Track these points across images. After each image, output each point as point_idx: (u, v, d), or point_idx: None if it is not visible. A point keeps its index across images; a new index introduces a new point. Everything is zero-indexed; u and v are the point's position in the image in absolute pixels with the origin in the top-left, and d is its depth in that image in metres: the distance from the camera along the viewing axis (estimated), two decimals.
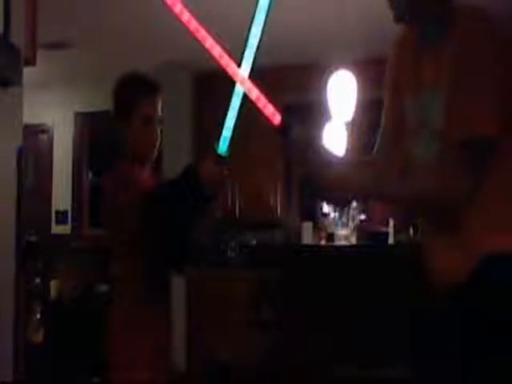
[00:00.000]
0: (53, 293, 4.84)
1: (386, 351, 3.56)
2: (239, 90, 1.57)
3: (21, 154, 2.16)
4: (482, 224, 1.35)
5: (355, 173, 1.49)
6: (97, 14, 3.95)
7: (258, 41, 1.55)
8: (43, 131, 5.71)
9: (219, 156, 1.60)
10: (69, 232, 5.59)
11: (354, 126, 4.53)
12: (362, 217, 4.22)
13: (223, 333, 4.52)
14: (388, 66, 1.62)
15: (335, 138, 4.45)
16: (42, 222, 5.52)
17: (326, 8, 3.83)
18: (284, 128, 1.41)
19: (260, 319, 4.41)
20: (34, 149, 5.51)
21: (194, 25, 1.57)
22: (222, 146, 1.59)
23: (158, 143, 1.90)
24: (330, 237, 4.23)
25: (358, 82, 3.79)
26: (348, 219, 4.33)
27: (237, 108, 1.57)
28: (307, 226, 4.47)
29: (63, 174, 5.67)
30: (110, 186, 1.81)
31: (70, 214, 5.62)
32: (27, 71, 2.21)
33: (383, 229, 4.07)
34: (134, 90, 1.85)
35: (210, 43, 1.55)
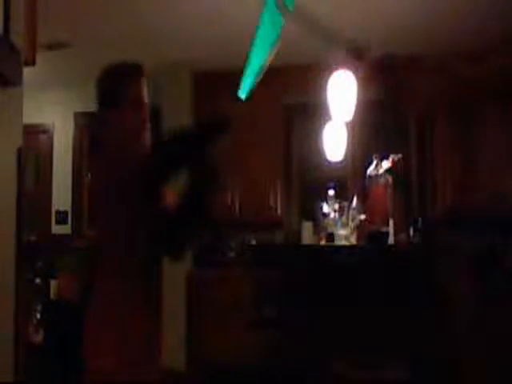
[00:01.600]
0: (53, 293, 4.84)
1: (386, 351, 3.56)
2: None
3: (21, 154, 2.16)
4: None
5: None
6: (97, 13, 3.94)
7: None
8: (43, 131, 5.71)
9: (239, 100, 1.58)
10: (69, 232, 5.58)
11: (353, 126, 4.54)
12: (362, 217, 4.22)
13: (223, 333, 4.52)
14: None
15: (335, 139, 4.46)
16: (42, 221, 5.52)
17: (326, 8, 3.83)
18: None
19: (260, 319, 4.41)
20: (34, 149, 5.50)
21: None
22: (244, 90, 1.56)
23: (148, 132, 1.83)
24: (330, 237, 4.23)
25: (358, 82, 3.79)
26: (348, 219, 4.33)
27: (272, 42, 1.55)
28: (307, 226, 4.47)
29: (63, 174, 5.66)
30: (100, 165, 1.76)
31: (70, 214, 5.62)
32: (27, 71, 2.21)
33: (383, 229, 4.07)
34: (119, 74, 1.81)
35: None
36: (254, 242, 5.12)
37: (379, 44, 4.47)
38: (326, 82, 3.82)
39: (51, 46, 4.39)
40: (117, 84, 1.79)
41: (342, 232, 4.25)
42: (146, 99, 1.82)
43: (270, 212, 5.04)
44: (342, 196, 4.62)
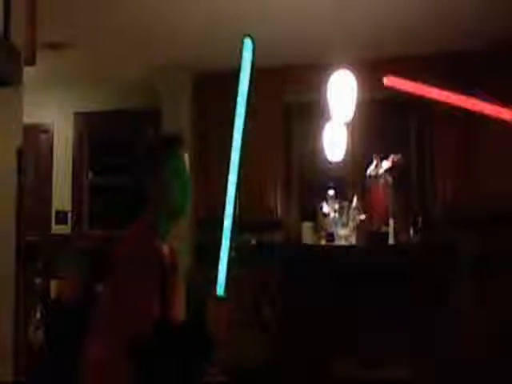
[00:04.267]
0: (53, 293, 4.84)
1: (386, 351, 3.56)
2: (228, 227, 1.62)
3: (21, 154, 2.16)
4: None
5: None
6: (96, 14, 3.94)
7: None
8: (43, 131, 5.71)
9: (221, 299, 1.65)
10: (69, 232, 5.59)
11: (353, 126, 4.53)
12: (362, 217, 4.22)
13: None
14: None
15: (335, 139, 4.46)
16: (42, 221, 5.52)
17: (326, 8, 3.83)
18: None
19: (260, 319, 4.41)
20: (33, 149, 5.50)
21: None
22: (220, 290, 1.64)
23: (188, 198, 1.84)
24: (330, 237, 4.23)
25: (358, 82, 3.79)
26: (348, 219, 4.32)
27: (228, 247, 1.62)
28: (307, 226, 4.47)
29: (63, 173, 5.67)
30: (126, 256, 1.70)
31: (70, 214, 5.62)
32: (27, 71, 2.21)
33: (383, 229, 4.07)
34: (162, 144, 1.83)
35: None
36: (253, 243, 5.12)
37: (379, 44, 4.48)
38: (326, 81, 3.82)
39: (51, 46, 4.39)
40: (160, 156, 1.81)
41: (342, 232, 4.24)
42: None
43: (269, 212, 5.04)
44: (342, 196, 4.62)
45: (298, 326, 3.73)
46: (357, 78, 3.78)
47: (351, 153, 4.82)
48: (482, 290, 3.62)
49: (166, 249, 1.80)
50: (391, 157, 4.31)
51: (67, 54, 4.63)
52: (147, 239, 1.72)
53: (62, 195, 5.65)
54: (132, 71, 5.06)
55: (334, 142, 4.45)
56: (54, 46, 4.42)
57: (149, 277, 1.63)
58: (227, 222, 1.63)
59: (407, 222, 4.28)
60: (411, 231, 4.21)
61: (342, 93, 3.74)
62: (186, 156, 1.86)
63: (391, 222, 4.07)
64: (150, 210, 1.79)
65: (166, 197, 1.78)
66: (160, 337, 1.60)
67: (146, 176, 1.80)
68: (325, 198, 4.52)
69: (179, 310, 1.81)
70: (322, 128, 4.52)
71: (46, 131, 5.72)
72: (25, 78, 2.16)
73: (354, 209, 4.30)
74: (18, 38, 2.13)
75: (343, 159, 4.60)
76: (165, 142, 1.85)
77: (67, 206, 5.64)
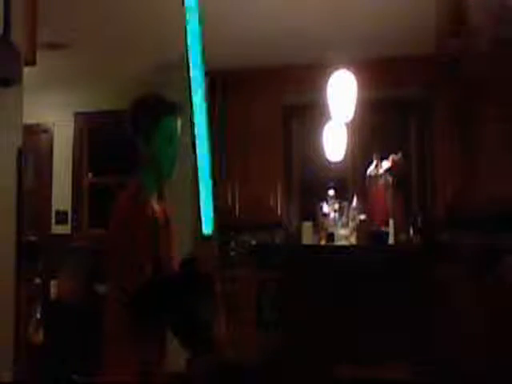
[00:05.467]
0: (53, 293, 4.84)
1: (386, 351, 3.56)
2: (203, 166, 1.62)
3: (21, 154, 2.16)
4: None
5: None
6: (96, 14, 3.94)
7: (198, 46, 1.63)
8: (43, 131, 5.71)
9: (208, 238, 1.66)
10: (69, 232, 5.59)
11: (353, 126, 4.53)
12: (362, 217, 4.22)
13: (224, 333, 4.52)
14: None
15: (335, 139, 4.46)
16: (42, 221, 5.52)
17: (326, 8, 3.83)
18: None
19: (260, 319, 4.40)
20: (34, 149, 5.50)
21: None
22: (208, 227, 1.64)
23: (175, 165, 1.89)
24: (330, 237, 4.23)
25: (358, 82, 3.79)
26: (348, 219, 4.33)
27: (209, 184, 1.63)
28: (307, 226, 4.47)
29: (63, 174, 5.67)
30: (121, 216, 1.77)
31: (70, 214, 5.62)
32: (27, 71, 2.21)
33: (383, 229, 4.07)
34: (156, 109, 1.87)
35: None
36: (253, 243, 5.12)
37: (379, 44, 4.48)
38: (326, 82, 3.82)
39: (51, 46, 4.39)
40: (154, 118, 1.87)
41: (342, 232, 4.25)
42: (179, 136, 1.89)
43: (269, 212, 5.04)
44: (342, 196, 4.62)
45: (297, 326, 3.73)
46: (357, 78, 3.78)
47: (351, 153, 4.82)
48: (482, 289, 3.62)
49: (157, 206, 1.84)
50: (391, 157, 4.31)
51: (67, 53, 4.63)
52: (138, 199, 1.76)
53: (62, 195, 5.65)
54: (132, 71, 5.06)
55: (334, 142, 4.46)
56: (53, 46, 4.42)
57: (140, 235, 1.69)
58: (205, 160, 1.65)
59: (407, 222, 4.29)
60: (411, 231, 4.21)
61: (342, 93, 3.74)
62: (179, 124, 1.88)
63: (391, 222, 4.07)
64: (141, 172, 1.84)
65: (155, 161, 1.83)
66: (155, 290, 1.67)
67: (139, 138, 1.84)
68: (325, 198, 4.52)
69: (176, 261, 1.84)
70: (322, 128, 4.52)
71: (45, 131, 5.72)
72: (25, 78, 2.16)
73: (354, 209, 4.30)
74: (18, 38, 2.13)
75: (343, 159, 4.61)
76: (161, 107, 1.87)
77: (67, 206, 5.64)
